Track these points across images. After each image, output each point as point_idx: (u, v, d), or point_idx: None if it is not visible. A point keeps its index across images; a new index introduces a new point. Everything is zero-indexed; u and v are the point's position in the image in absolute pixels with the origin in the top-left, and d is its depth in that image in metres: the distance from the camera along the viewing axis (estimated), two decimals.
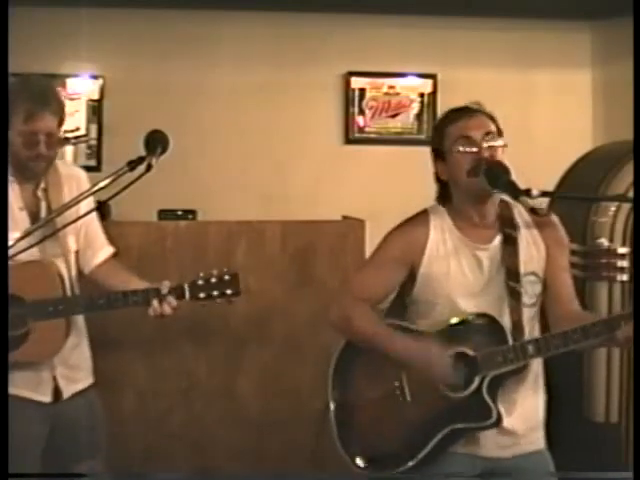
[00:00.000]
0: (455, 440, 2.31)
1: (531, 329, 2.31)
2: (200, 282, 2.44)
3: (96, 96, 4.37)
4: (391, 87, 4.50)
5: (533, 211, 2.32)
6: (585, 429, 3.52)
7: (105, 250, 2.67)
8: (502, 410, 2.30)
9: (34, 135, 2.45)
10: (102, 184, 2.12)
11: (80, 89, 4.36)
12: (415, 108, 4.50)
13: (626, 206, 3.48)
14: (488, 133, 2.29)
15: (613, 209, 3.50)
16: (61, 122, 2.53)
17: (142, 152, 2.19)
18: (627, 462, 3.30)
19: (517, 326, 2.27)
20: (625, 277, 3.46)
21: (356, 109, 4.48)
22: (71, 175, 2.63)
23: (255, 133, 4.38)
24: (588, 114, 4.58)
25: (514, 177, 2.29)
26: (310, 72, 4.42)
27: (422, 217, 2.38)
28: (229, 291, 2.45)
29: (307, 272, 3.45)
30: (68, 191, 2.58)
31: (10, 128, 2.47)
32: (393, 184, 4.38)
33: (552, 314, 2.32)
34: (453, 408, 2.28)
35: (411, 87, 4.51)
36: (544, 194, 2.29)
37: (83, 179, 2.65)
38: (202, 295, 2.44)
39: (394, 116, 4.51)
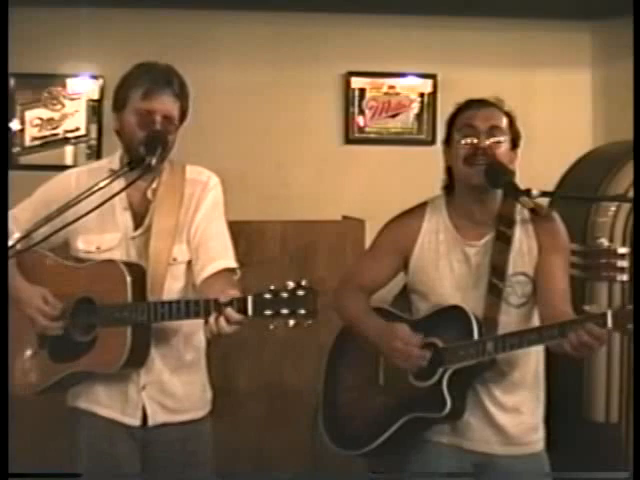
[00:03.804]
0: (416, 428, 2.35)
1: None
2: (267, 295, 1.98)
3: (96, 96, 4.36)
4: (391, 87, 4.50)
5: (533, 211, 2.34)
6: (585, 429, 3.52)
7: (216, 264, 2.31)
8: (490, 406, 2.33)
9: (150, 114, 2.27)
10: (102, 184, 2.13)
11: (80, 89, 4.35)
12: (415, 108, 4.50)
13: (626, 206, 3.49)
14: (493, 127, 2.31)
15: (613, 209, 3.51)
16: (183, 110, 2.34)
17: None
18: (627, 462, 3.30)
19: (491, 323, 2.28)
20: (625, 277, 3.47)
21: (356, 109, 4.48)
22: (197, 181, 2.40)
23: (255, 133, 4.38)
24: (588, 114, 4.58)
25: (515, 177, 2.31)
26: (310, 72, 4.42)
27: (419, 209, 2.45)
28: (302, 310, 1.96)
29: (307, 272, 3.45)
30: (188, 197, 2.36)
31: (124, 108, 2.31)
32: (393, 184, 4.38)
33: (541, 315, 2.31)
34: (415, 397, 2.32)
35: (411, 87, 4.50)
36: (544, 194, 2.30)
37: (211, 185, 2.41)
38: (268, 312, 1.97)
39: (394, 116, 4.51)
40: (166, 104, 2.29)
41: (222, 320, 2.01)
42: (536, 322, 2.34)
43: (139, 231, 2.33)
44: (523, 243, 2.34)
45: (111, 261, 2.28)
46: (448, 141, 2.39)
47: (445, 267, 2.36)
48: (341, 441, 2.51)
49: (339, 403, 2.54)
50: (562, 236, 2.38)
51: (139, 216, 2.34)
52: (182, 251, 2.34)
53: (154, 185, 2.33)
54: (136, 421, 2.35)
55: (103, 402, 2.36)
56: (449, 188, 2.42)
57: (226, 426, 3.44)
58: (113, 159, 2.41)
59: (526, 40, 4.48)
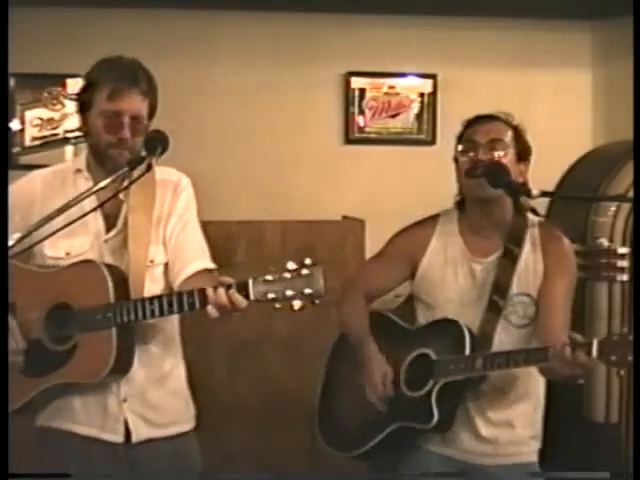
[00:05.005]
0: (403, 437, 2.37)
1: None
2: (269, 278, 1.89)
3: None
4: (391, 87, 4.50)
5: (533, 211, 2.35)
6: (585, 429, 3.52)
7: (194, 265, 2.23)
8: (479, 422, 2.34)
9: (117, 116, 2.15)
10: (102, 184, 2.11)
11: None
12: (415, 108, 4.50)
13: (626, 206, 3.49)
14: (494, 140, 2.31)
15: (613, 209, 3.51)
16: (151, 107, 2.23)
17: (142, 152, 2.19)
18: (627, 462, 3.31)
19: (485, 339, 2.27)
20: (625, 277, 3.47)
21: (356, 109, 4.48)
22: (168, 181, 2.30)
23: (255, 133, 4.38)
24: (588, 114, 4.58)
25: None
26: (310, 72, 4.42)
27: (431, 220, 2.46)
28: (308, 290, 1.87)
29: None
30: (160, 197, 2.26)
31: (90, 110, 2.20)
32: (393, 184, 4.38)
33: (538, 339, 2.29)
34: (405, 406, 2.34)
35: (411, 87, 4.50)
36: (544, 194, 2.30)
37: (182, 185, 2.31)
38: (272, 295, 1.89)
39: (394, 116, 4.50)
40: (134, 104, 2.18)
41: (225, 299, 1.92)
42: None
43: (112, 233, 2.23)
44: (529, 263, 2.33)
45: (89, 261, 2.15)
46: (456, 158, 2.40)
47: (450, 280, 2.37)
48: (332, 441, 2.53)
49: (334, 403, 2.56)
50: (569, 261, 2.36)
51: (111, 217, 2.23)
52: (159, 253, 2.24)
53: (125, 184, 2.17)
54: (118, 437, 2.20)
55: (80, 419, 2.20)
56: (461, 204, 2.43)
57: (226, 427, 3.44)
58: (78, 160, 2.32)
59: (526, 40, 4.47)
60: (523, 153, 2.36)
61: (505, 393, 2.34)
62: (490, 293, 2.30)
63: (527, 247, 2.34)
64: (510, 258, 2.32)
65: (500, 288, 2.30)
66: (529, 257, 2.34)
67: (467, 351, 2.24)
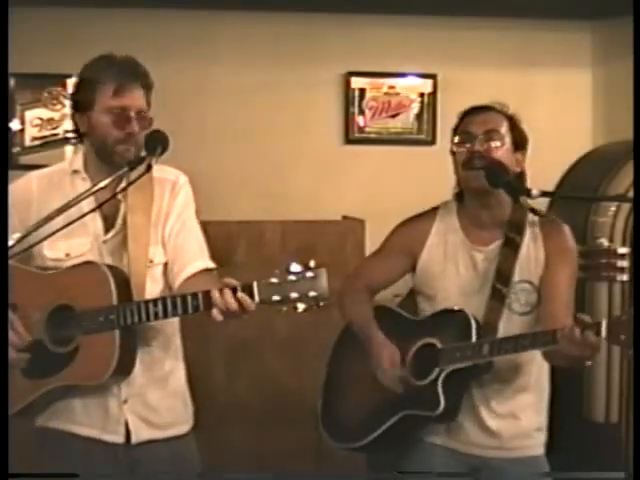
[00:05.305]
0: (410, 426, 2.37)
1: None
2: (274, 280, 1.89)
3: None
4: (391, 87, 4.50)
5: (533, 211, 2.36)
6: (585, 429, 3.53)
7: (194, 265, 2.22)
8: (484, 412, 2.34)
9: (124, 111, 2.14)
10: (102, 184, 2.10)
11: None
12: (415, 108, 4.50)
13: (626, 206, 3.50)
14: (490, 130, 2.32)
15: (613, 209, 3.51)
16: (148, 103, 2.23)
17: (142, 152, 2.19)
18: (627, 462, 3.31)
19: (490, 327, 2.28)
20: (625, 277, 3.48)
21: (356, 109, 4.48)
22: (165, 180, 2.29)
23: (255, 133, 4.38)
24: (588, 114, 4.58)
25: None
26: (310, 72, 4.42)
27: (430, 213, 2.47)
28: (312, 293, 1.88)
29: None
30: (159, 196, 2.25)
31: (92, 108, 2.17)
32: (393, 184, 4.39)
33: (541, 325, 2.29)
34: (411, 395, 2.34)
35: (411, 87, 4.50)
36: (544, 194, 2.30)
37: (180, 184, 2.30)
38: (276, 298, 1.89)
39: (394, 116, 4.50)
40: (137, 99, 2.18)
41: (231, 302, 1.91)
42: None
43: (111, 234, 2.22)
44: (531, 251, 2.34)
45: (91, 263, 2.14)
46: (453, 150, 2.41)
47: (451, 271, 2.37)
48: (337, 434, 2.53)
49: (338, 396, 2.56)
50: (570, 249, 2.36)
51: (110, 218, 2.22)
52: (158, 253, 2.22)
53: (123, 184, 2.15)
54: (119, 438, 2.19)
55: (80, 420, 2.20)
56: (460, 196, 2.43)
57: (226, 427, 3.44)
58: (75, 161, 2.29)
59: (526, 40, 4.48)
60: (519, 142, 2.37)
61: (508, 382, 2.34)
62: (493, 281, 2.31)
63: (527, 235, 2.34)
64: (512, 246, 2.32)
65: (503, 276, 2.30)
66: (530, 244, 2.34)
67: (474, 339, 2.25)
